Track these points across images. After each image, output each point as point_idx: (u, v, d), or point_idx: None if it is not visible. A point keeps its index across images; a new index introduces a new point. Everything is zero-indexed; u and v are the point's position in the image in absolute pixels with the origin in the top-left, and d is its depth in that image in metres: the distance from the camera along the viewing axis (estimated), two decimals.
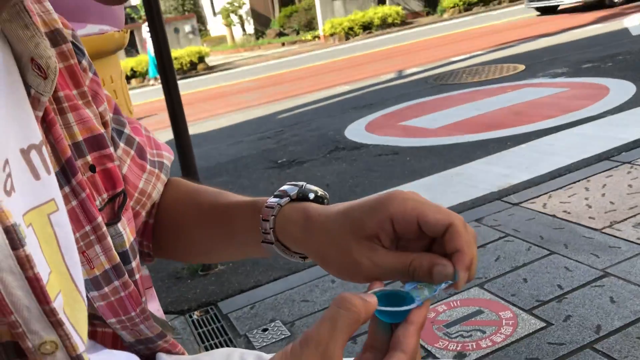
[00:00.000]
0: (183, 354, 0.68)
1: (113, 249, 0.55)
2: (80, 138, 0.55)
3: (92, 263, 0.54)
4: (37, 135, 0.48)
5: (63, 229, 0.49)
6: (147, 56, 14.87)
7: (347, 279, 0.52)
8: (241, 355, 0.67)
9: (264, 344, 1.97)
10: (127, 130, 0.65)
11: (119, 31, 1.18)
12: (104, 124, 0.60)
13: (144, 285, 0.63)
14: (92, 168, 0.56)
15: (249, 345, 1.98)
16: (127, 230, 0.59)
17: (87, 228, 0.53)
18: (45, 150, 0.49)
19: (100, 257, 0.55)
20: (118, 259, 0.56)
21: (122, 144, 0.64)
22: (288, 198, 0.58)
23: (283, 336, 2.00)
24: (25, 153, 0.47)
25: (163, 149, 0.73)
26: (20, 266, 0.39)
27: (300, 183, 0.60)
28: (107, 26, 1.14)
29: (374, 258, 0.49)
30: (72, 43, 0.57)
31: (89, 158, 0.56)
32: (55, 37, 0.55)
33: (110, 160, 0.58)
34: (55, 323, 0.42)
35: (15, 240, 0.39)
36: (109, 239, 0.55)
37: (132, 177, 0.65)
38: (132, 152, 0.65)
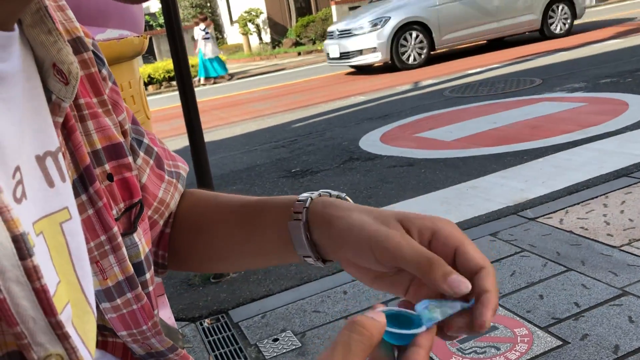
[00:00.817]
0: None
1: (127, 260, 0.55)
2: (99, 146, 0.55)
3: (105, 274, 0.53)
4: (54, 141, 0.48)
5: (75, 238, 0.48)
6: (162, 63, 15.00)
7: (365, 258, 0.51)
8: None
9: (275, 354, 1.96)
10: (146, 140, 0.65)
11: (138, 36, 1.18)
12: (123, 134, 0.59)
13: (156, 294, 0.62)
14: (109, 177, 0.56)
15: (259, 355, 1.96)
16: (142, 241, 0.59)
17: (102, 238, 0.52)
18: (62, 158, 0.48)
19: (114, 268, 0.54)
20: (132, 270, 0.55)
21: (142, 153, 0.63)
22: (318, 193, 0.59)
23: (294, 347, 1.98)
24: (40, 160, 0.46)
25: (178, 160, 0.73)
26: (28, 277, 0.38)
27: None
28: (126, 31, 1.14)
29: (406, 239, 0.49)
30: (93, 52, 0.57)
31: (107, 167, 0.55)
32: (77, 45, 0.55)
33: (128, 170, 0.58)
34: (62, 336, 0.41)
35: (23, 250, 0.38)
36: (124, 249, 0.54)
37: (152, 186, 0.65)
38: (152, 161, 0.65)
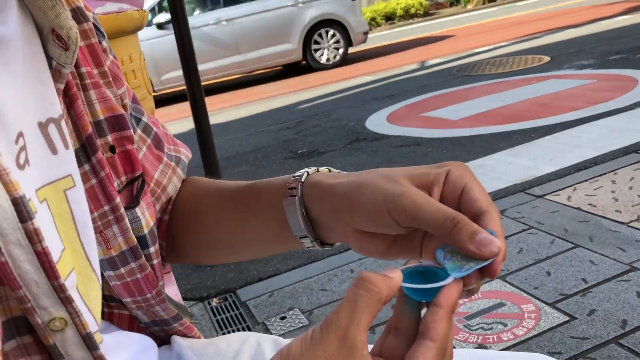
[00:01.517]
0: (199, 337, 0.67)
1: (131, 230, 0.54)
2: (101, 117, 0.54)
3: (109, 243, 0.53)
4: (57, 109, 0.47)
5: (79, 205, 0.48)
6: None
7: (380, 221, 0.46)
8: (257, 340, 0.66)
9: (282, 332, 1.97)
10: (145, 119, 0.64)
11: (138, 10, 1.17)
12: (124, 107, 0.58)
13: (162, 271, 0.62)
14: (112, 149, 0.55)
15: (267, 333, 1.97)
16: (146, 215, 0.58)
17: (106, 208, 0.52)
18: (65, 125, 0.48)
19: (118, 238, 0.54)
20: (135, 241, 0.55)
21: (139, 131, 0.62)
22: (315, 168, 0.56)
23: (301, 325, 1.99)
24: (43, 127, 0.46)
25: (180, 146, 0.71)
26: (29, 239, 0.38)
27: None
28: (126, 5, 1.13)
29: (424, 196, 0.45)
30: (94, 24, 0.57)
31: (110, 138, 0.55)
32: (77, 15, 0.54)
33: (130, 142, 0.57)
34: (65, 299, 0.41)
35: (23, 213, 0.38)
36: (127, 220, 0.54)
37: (148, 165, 0.63)
38: (149, 140, 0.64)
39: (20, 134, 0.42)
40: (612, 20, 8.69)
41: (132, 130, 0.58)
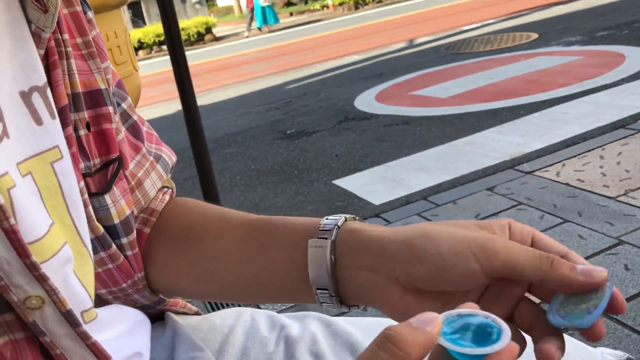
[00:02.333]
0: (195, 311, 0.66)
1: (95, 219, 0.50)
2: (79, 89, 0.50)
3: None
4: (41, 76, 0.45)
5: (67, 178, 0.45)
6: (152, 27, 14.79)
7: (449, 274, 0.40)
8: (252, 315, 0.65)
9: (275, 310, 1.97)
10: (125, 105, 0.59)
11: None
12: (107, 82, 0.54)
13: (140, 261, 0.57)
14: (87, 126, 0.51)
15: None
16: (119, 203, 0.53)
17: None
18: (50, 93, 0.45)
19: None
20: (102, 230, 0.51)
21: (118, 114, 0.57)
22: (343, 217, 0.48)
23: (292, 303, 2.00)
24: (26, 96, 0.43)
25: (164, 147, 0.65)
26: None
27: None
28: None
29: (510, 241, 0.40)
30: None
31: (86, 114, 0.51)
32: None
33: (108, 121, 0.52)
34: (39, 277, 0.39)
35: None
36: (90, 208, 0.49)
37: (124, 152, 0.56)
38: (124, 128, 0.58)
39: None
40: None
41: (111, 108, 0.53)
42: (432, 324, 0.30)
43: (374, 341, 0.30)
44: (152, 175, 0.60)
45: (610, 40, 5.40)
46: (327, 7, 18.07)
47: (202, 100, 4.94)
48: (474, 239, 0.40)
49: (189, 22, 15.18)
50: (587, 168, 2.63)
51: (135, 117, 0.60)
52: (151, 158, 0.60)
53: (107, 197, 0.52)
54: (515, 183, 2.62)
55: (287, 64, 8.20)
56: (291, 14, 18.69)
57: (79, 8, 0.53)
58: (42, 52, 0.46)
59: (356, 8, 16.38)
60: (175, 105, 5.87)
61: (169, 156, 0.64)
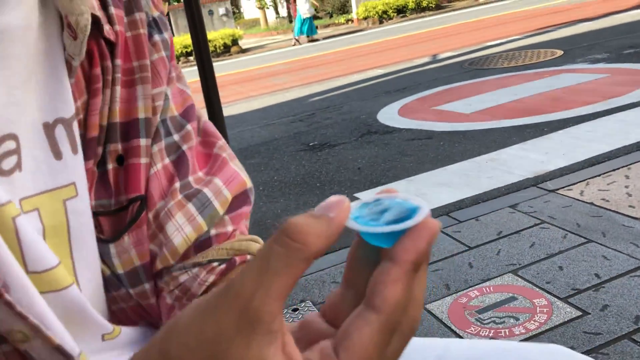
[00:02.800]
0: None
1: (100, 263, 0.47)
2: (117, 119, 0.47)
3: None
4: (69, 108, 0.43)
5: (78, 217, 0.43)
6: (180, 38, 15.03)
7: None
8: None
9: (295, 323, 1.99)
10: (177, 137, 0.52)
11: None
12: (153, 109, 0.50)
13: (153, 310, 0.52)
14: (119, 159, 0.48)
15: None
16: (129, 253, 0.48)
17: None
18: (77, 126, 0.44)
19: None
20: (107, 272, 0.48)
21: (163, 145, 0.51)
22: None
23: None
24: (49, 128, 0.42)
25: (223, 175, 0.53)
26: None
27: None
28: None
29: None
30: (154, 19, 0.52)
31: (120, 146, 0.48)
32: (130, 5, 0.50)
33: (136, 156, 0.48)
34: (18, 315, 0.37)
35: None
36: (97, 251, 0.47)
37: (154, 188, 0.49)
38: (168, 159, 0.51)
39: (11, 137, 0.39)
40: (626, 13, 8.59)
41: (143, 139, 0.48)
42: (337, 208, 0.28)
43: (272, 236, 0.27)
44: (178, 217, 0.49)
45: (637, 58, 5.34)
46: (352, 21, 18.15)
47: (227, 111, 4.98)
48: None
49: (215, 34, 15.38)
50: (612, 187, 2.60)
51: (185, 147, 0.52)
52: (180, 197, 0.50)
53: (112, 247, 0.47)
54: (538, 201, 2.61)
55: (311, 76, 8.26)
56: (316, 27, 18.82)
57: (142, 31, 0.50)
58: (72, 80, 0.44)
59: (380, 22, 16.43)
60: None
61: (218, 192, 0.52)
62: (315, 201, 3.19)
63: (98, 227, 0.47)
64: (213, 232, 0.51)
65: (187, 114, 0.54)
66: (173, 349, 0.27)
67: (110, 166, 0.47)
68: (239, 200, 0.54)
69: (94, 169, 0.46)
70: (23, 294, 0.38)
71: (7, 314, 0.36)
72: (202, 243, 0.50)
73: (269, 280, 0.26)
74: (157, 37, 0.52)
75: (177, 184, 0.50)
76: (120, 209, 0.47)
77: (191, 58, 14.40)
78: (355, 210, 0.30)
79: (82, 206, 0.44)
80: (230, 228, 0.52)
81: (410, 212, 0.29)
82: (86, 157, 0.45)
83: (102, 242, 0.47)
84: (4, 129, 0.39)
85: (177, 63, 0.58)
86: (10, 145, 0.39)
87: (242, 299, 0.26)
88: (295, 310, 2.07)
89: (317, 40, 15.07)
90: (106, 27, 0.47)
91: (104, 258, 0.47)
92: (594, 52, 6.03)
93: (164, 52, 0.52)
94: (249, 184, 0.55)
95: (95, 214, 0.46)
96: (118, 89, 0.47)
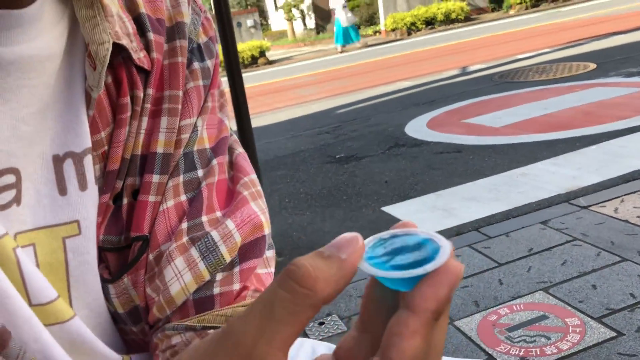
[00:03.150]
0: None
1: (95, 304, 0.45)
2: (139, 152, 0.45)
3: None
4: (82, 142, 0.42)
5: (79, 256, 0.42)
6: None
7: None
8: (313, 346, 0.66)
9: (320, 337, 1.97)
10: (200, 172, 0.48)
11: None
12: (176, 143, 0.47)
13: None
14: (135, 194, 0.45)
15: (305, 337, 1.98)
16: (129, 293, 0.45)
17: None
18: (90, 161, 0.42)
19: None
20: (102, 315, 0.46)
21: (180, 180, 0.47)
22: None
23: (340, 330, 1.99)
24: (58, 161, 0.41)
25: (236, 218, 0.47)
26: None
27: None
28: None
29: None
30: (199, 46, 0.50)
31: (138, 180, 0.45)
32: (173, 32, 0.48)
33: (145, 193, 0.45)
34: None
35: None
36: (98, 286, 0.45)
37: (159, 228, 0.45)
38: (185, 197, 0.47)
39: (11, 171, 0.38)
40: None
41: (157, 176, 0.45)
42: (349, 248, 0.25)
43: (276, 278, 0.25)
44: (178, 261, 0.44)
45: None
46: (380, 33, 18.18)
47: (253, 122, 5.02)
48: None
49: (244, 46, 15.55)
50: None
51: (203, 184, 0.48)
52: (184, 238, 0.45)
53: (111, 287, 0.45)
54: (570, 217, 2.55)
55: (338, 88, 8.27)
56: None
57: (181, 60, 0.48)
58: (91, 112, 0.42)
59: (409, 34, 16.42)
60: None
61: (228, 236, 0.46)
62: (341, 214, 3.18)
63: (105, 262, 0.45)
64: (217, 290, 0.45)
65: (219, 147, 0.50)
66: None
67: (126, 201, 0.44)
68: (252, 247, 0.47)
69: (109, 203, 0.44)
70: (28, 328, 0.36)
71: None
72: (203, 300, 0.45)
73: (273, 330, 0.24)
74: (196, 65, 0.49)
75: (185, 225, 0.46)
76: (126, 246, 0.45)
77: (220, 69, 14.59)
78: (369, 250, 0.27)
79: (85, 245, 0.42)
80: (237, 286, 0.46)
81: (432, 252, 0.26)
82: (104, 191, 0.43)
83: (103, 281, 0.45)
84: (3, 163, 0.38)
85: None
86: (8, 179, 0.38)
87: (244, 348, 0.24)
88: (321, 324, 2.06)
89: (360, 45, 15.11)
90: (140, 55, 0.45)
91: (106, 297, 0.45)
92: (628, 66, 5.91)
93: (201, 81, 0.49)
94: (267, 229, 0.49)
95: (102, 249, 0.44)
96: (145, 119, 0.45)
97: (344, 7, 14.88)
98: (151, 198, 0.45)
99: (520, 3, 17.32)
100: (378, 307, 0.28)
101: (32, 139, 0.39)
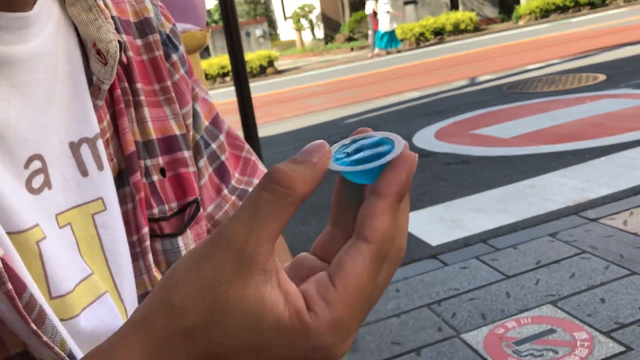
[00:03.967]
0: None
1: (153, 268, 0.49)
2: (153, 137, 0.51)
3: (136, 279, 0.48)
4: (92, 128, 0.46)
5: (109, 230, 0.45)
6: (217, 59, 15.32)
7: None
8: None
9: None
10: (215, 146, 0.58)
11: (200, 30, 1.20)
12: (186, 127, 0.54)
13: None
14: (162, 171, 0.51)
15: None
16: (191, 247, 0.52)
17: (134, 238, 0.48)
18: (102, 145, 0.46)
19: (143, 276, 0.48)
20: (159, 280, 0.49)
21: (205, 157, 0.57)
22: None
23: None
24: (75, 147, 0.44)
25: (259, 176, 0.61)
26: None
27: None
28: (189, 25, 1.16)
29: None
30: (167, 36, 0.55)
31: (161, 160, 0.51)
32: (143, 27, 0.53)
33: (184, 166, 0.53)
34: (45, 345, 0.37)
35: None
36: (150, 255, 0.49)
37: (205, 197, 0.56)
38: (211, 169, 0.57)
39: (37, 157, 0.41)
40: None
41: (186, 152, 0.53)
42: (319, 152, 0.30)
43: (259, 183, 0.29)
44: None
45: None
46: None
47: (261, 132, 5.02)
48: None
49: (252, 55, 15.62)
50: None
51: (223, 157, 0.59)
52: (233, 198, 0.58)
53: (180, 240, 0.51)
54: (579, 230, 2.53)
55: (346, 98, 8.28)
56: (352, 49, 18.94)
57: (158, 53, 0.53)
58: (101, 102, 0.47)
59: (417, 44, 16.43)
60: None
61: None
62: None
63: (161, 229, 0.51)
64: None
65: (216, 122, 0.59)
66: (175, 299, 0.29)
67: (156, 178, 0.51)
68: None
69: (144, 180, 0.49)
70: (48, 322, 0.38)
71: (37, 342, 0.37)
72: None
73: (260, 226, 0.28)
74: (174, 57, 0.55)
75: (225, 191, 0.57)
76: (177, 212, 0.51)
77: (227, 78, 14.66)
78: (335, 153, 0.32)
79: (111, 220, 0.45)
80: None
81: (388, 148, 0.31)
82: (131, 172, 0.48)
83: (171, 236, 0.50)
84: (30, 150, 0.40)
85: (214, 83, 0.60)
86: (36, 165, 0.41)
87: (236, 244, 0.28)
88: None
89: (398, 51, 15.21)
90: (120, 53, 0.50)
91: (171, 256, 0.50)
92: (638, 77, 5.89)
93: (182, 70, 0.55)
94: None
95: (158, 219, 0.50)
96: (146, 110, 0.51)
97: (388, 12, 14.95)
98: (191, 169, 0.53)
99: (530, 13, 17.30)
100: (347, 202, 0.33)
101: (49, 128, 0.42)
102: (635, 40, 8.78)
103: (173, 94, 0.53)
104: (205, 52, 19.59)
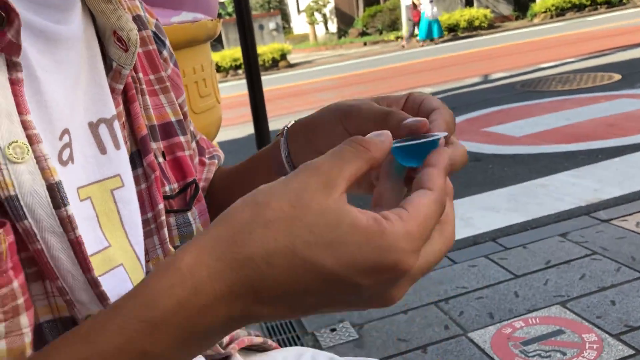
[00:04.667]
0: (264, 342, 0.66)
1: (168, 242, 0.52)
2: (154, 122, 0.55)
3: (148, 255, 0.51)
4: (110, 109, 0.48)
5: (127, 206, 0.47)
6: (230, 51, 15.33)
7: (331, 137, 0.48)
8: (313, 355, 0.65)
9: (331, 344, 1.95)
10: (192, 127, 0.66)
11: (211, 20, 1.19)
12: (183, 115, 0.59)
13: None
14: (163, 155, 0.55)
15: (316, 344, 1.97)
16: (197, 221, 0.56)
17: (149, 215, 0.51)
18: (118, 126, 0.49)
19: (157, 250, 0.51)
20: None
21: (194, 144, 0.64)
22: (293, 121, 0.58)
23: (351, 338, 1.97)
24: (93, 127, 0.46)
25: (216, 147, 0.73)
26: (63, 227, 0.37)
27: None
28: (200, 14, 1.16)
29: (367, 103, 0.48)
30: (154, 33, 0.59)
31: (161, 144, 0.55)
32: (137, 23, 0.56)
33: (180, 149, 0.57)
34: (100, 295, 0.39)
35: (57, 199, 0.37)
36: (165, 230, 0.52)
37: (198, 174, 0.65)
38: (196, 149, 0.66)
39: (66, 131, 0.43)
40: None
41: (183, 137, 0.58)
42: (384, 134, 0.36)
43: (341, 143, 0.35)
44: (214, 169, 0.68)
45: None
46: (401, 38, 18.13)
47: (272, 125, 5.02)
48: (343, 105, 0.49)
49: (265, 48, 15.62)
50: None
51: (198, 136, 0.67)
52: (215, 161, 0.69)
53: (189, 215, 0.56)
54: (590, 231, 2.50)
55: (358, 93, 8.26)
56: (365, 44, 18.88)
57: (152, 47, 0.57)
58: (121, 87, 0.50)
59: (431, 40, 16.36)
60: (247, 129, 6.01)
61: (221, 154, 0.72)
62: None
63: (169, 207, 0.55)
64: None
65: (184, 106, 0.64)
66: (260, 197, 0.33)
67: (161, 160, 0.54)
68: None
69: (157, 161, 0.53)
70: (86, 293, 0.40)
71: (90, 295, 0.39)
72: None
73: (342, 165, 0.33)
74: (165, 53, 0.60)
75: (207, 160, 0.68)
76: (179, 191, 0.56)
77: (240, 71, 14.67)
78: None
79: (129, 196, 0.48)
80: None
81: (437, 137, 0.38)
82: (145, 153, 0.51)
83: (181, 212, 0.55)
84: (64, 123, 0.43)
85: (227, 76, 0.63)
86: (66, 139, 0.43)
87: (322, 171, 0.33)
88: (333, 330, 2.04)
89: (440, 41, 15.18)
90: None
91: (184, 230, 0.55)
92: None
93: (171, 62, 0.61)
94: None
95: (168, 197, 0.55)
96: (147, 98, 0.55)
97: (431, 0, 14.87)
98: (187, 152, 0.57)
99: (545, 12, 17.15)
100: (391, 183, 0.38)
101: (73, 106, 0.44)
102: None
103: (168, 84, 0.58)
104: (218, 44, 19.61)
